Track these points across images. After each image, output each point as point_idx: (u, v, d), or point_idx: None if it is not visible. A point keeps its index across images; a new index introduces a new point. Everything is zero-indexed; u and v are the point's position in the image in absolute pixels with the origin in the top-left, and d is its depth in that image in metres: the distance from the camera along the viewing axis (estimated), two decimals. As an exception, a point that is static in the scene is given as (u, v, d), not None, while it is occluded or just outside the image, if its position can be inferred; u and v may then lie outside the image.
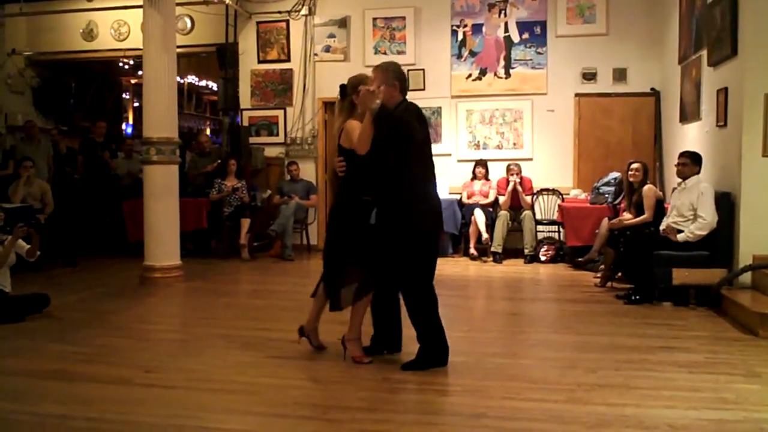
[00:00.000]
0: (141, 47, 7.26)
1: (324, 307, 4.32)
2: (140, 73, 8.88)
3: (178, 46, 7.54)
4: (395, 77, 4.09)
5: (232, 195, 9.03)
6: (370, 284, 4.09)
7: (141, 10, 7.23)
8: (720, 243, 5.91)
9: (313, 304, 4.41)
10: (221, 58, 9.69)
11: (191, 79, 14.26)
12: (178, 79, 7.77)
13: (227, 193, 9.02)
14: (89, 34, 10.58)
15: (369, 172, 4.04)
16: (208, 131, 15.09)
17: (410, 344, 4.21)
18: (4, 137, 9.63)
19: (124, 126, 13.92)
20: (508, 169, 8.88)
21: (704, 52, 6.81)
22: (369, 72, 4.24)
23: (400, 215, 4.02)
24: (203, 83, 14.78)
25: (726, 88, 6.18)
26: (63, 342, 4.76)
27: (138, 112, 12.96)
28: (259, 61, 10.08)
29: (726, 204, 5.94)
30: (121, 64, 12.01)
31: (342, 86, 4.26)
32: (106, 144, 9.78)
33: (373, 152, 3.94)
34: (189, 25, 10.13)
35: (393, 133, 3.91)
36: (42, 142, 9.42)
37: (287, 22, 9.91)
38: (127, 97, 14.12)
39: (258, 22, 10.03)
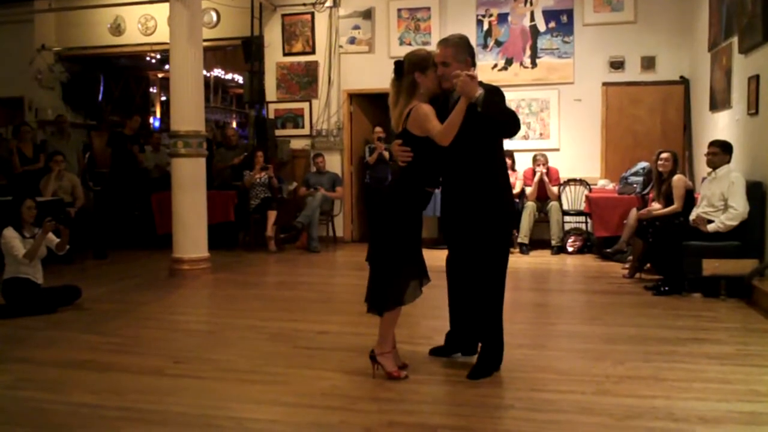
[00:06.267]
0: (168, 41, 7.33)
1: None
2: (167, 67, 8.92)
3: (204, 40, 7.61)
4: (467, 53, 3.69)
5: (263, 182, 9.07)
6: (411, 288, 3.67)
7: (167, 4, 7.29)
8: (751, 233, 5.82)
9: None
10: (247, 51, 9.73)
11: (217, 72, 14.32)
12: (205, 72, 7.82)
13: (262, 177, 9.04)
14: (117, 29, 10.70)
15: (440, 161, 3.65)
16: (234, 124, 15.17)
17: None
18: (35, 132, 9.77)
19: (151, 119, 14.05)
20: (535, 160, 8.81)
21: (735, 39, 6.68)
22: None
23: (497, 201, 3.72)
24: (229, 76, 14.82)
25: (757, 76, 6.06)
26: (94, 333, 4.84)
27: (165, 106, 13.07)
28: (285, 54, 10.11)
29: (757, 194, 5.84)
30: (148, 59, 12.12)
31: (398, 63, 3.75)
32: (135, 138, 9.87)
33: (458, 140, 3.49)
34: (215, 18, 10.20)
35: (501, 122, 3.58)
36: (72, 137, 9.54)
37: (312, 14, 9.92)
38: (155, 91, 14.23)
39: (283, 15, 10.06)
